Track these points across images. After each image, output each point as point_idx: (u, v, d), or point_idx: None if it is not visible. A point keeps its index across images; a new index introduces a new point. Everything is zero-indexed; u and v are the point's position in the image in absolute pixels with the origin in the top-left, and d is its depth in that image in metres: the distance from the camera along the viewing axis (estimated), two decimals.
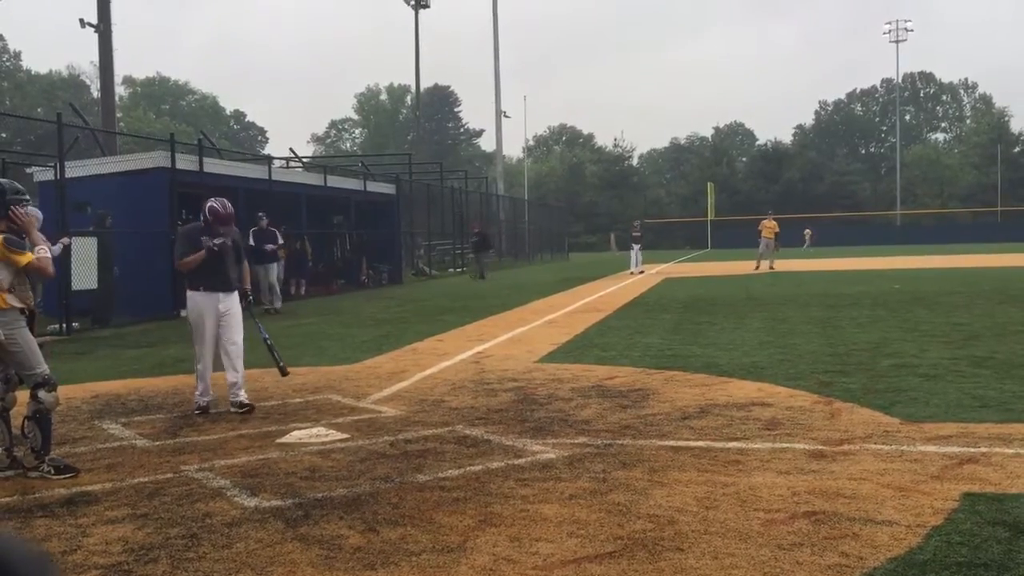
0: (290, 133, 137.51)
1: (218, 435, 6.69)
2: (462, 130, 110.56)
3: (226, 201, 7.71)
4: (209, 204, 7.63)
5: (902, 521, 4.25)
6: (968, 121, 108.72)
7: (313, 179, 26.09)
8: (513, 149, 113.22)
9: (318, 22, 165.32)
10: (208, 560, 4.01)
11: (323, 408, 7.67)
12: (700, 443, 5.94)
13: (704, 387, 8.08)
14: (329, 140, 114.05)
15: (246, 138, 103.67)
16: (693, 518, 4.38)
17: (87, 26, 32.86)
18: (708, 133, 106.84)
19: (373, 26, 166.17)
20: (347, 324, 15.45)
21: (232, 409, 7.46)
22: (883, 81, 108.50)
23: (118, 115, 45.88)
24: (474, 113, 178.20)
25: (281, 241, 19.05)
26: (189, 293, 7.66)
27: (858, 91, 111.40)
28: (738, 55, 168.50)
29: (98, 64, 34.66)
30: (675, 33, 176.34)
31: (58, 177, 15.07)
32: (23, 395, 5.76)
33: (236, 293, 7.73)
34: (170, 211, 17.72)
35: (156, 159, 18.59)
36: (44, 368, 5.67)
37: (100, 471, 5.67)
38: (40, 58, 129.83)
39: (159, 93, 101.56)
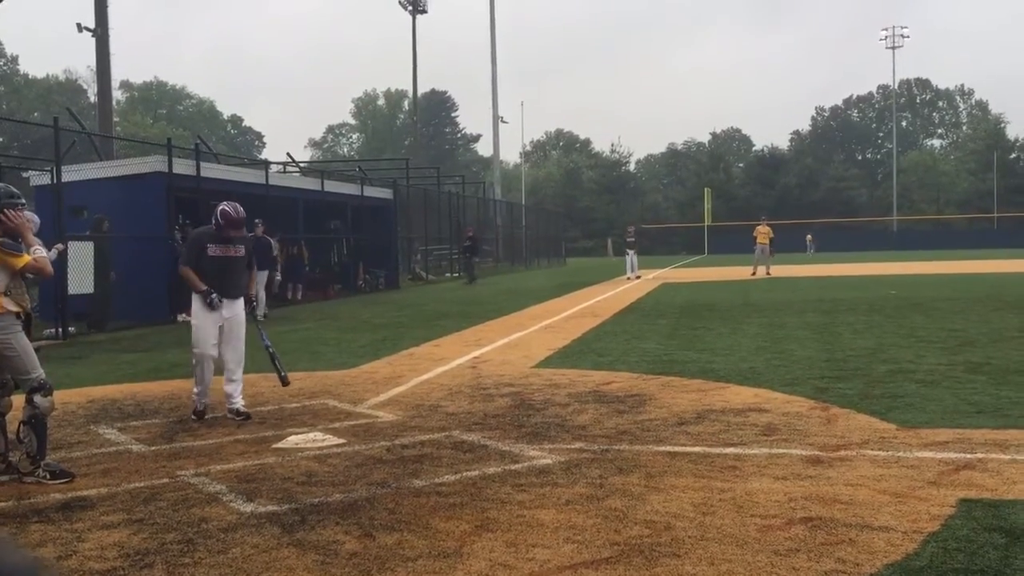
0: (287, 138, 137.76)
1: (214, 440, 6.68)
2: (459, 135, 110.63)
3: (238, 205, 7.57)
4: (221, 208, 7.52)
5: (899, 527, 4.25)
6: (964, 127, 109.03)
7: (310, 184, 26.11)
8: (510, 154, 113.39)
9: (315, 27, 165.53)
10: (204, 566, 4.00)
11: (320, 413, 7.66)
12: (697, 449, 5.94)
13: (701, 392, 8.08)
14: (326, 145, 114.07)
15: (243, 143, 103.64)
16: (690, 524, 4.38)
17: (84, 30, 32.88)
18: (705, 139, 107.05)
19: (370, 31, 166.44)
20: (344, 329, 15.43)
21: (228, 416, 7.44)
22: (879, 87, 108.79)
23: (115, 119, 45.86)
24: (471, 118, 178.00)
25: (275, 253, 18.99)
26: (194, 296, 7.60)
27: (855, 97, 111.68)
28: (735, 61, 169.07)
29: (95, 68, 34.62)
30: (672, 39, 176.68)
31: (55, 181, 15.05)
32: (19, 400, 5.75)
33: (241, 300, 7.65)
34: (167, 216, 17.71)
35: (153, 164, 18.60)
36: (40, 373, 5.66)
37: (96, 476, 5.66)
38: (37, 62, 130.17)
39: (156, 98, 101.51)
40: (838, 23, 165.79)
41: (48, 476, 5.51)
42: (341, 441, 6.47)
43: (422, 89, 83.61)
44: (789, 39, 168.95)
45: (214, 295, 7.37)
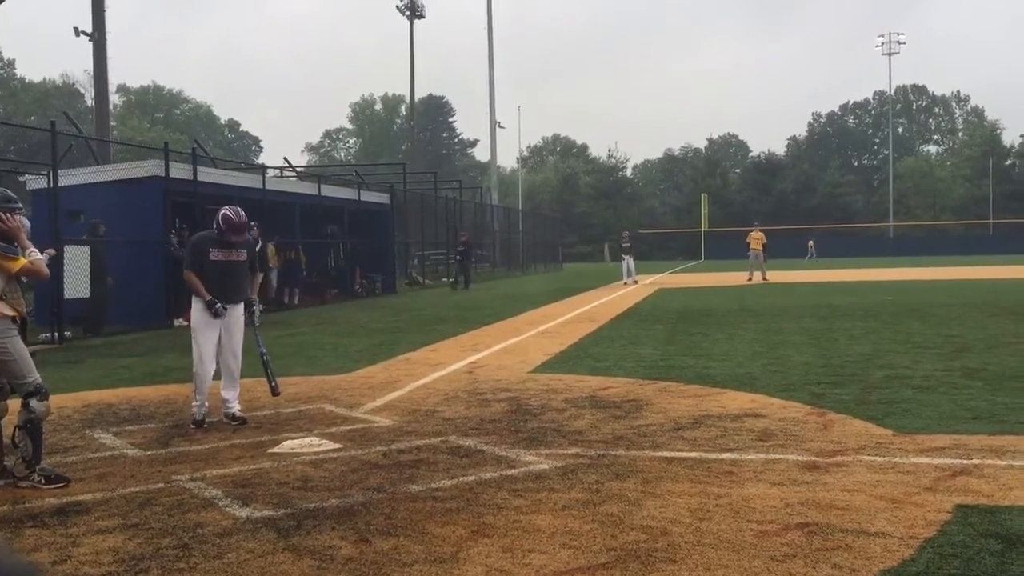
0: (284, 142, 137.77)
1: (210, 445, 6.66)
2: (456, 140, 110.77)
3: (240, 209, 7.54)
4: (223, 212, 7.50)
5: (895, 533, 4.25)
6: (960, 134, 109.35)
7: (307, 188, 26.09)
8: (507, 159, 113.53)
9: (313, 32, 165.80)
10: (199, 571, 3.99)
11: (316, 418, 7.65)
12: (693, 454, 5.94)
13: (697, 398, 8.08)
14: (323, 149, 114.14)
15: (240, 147, 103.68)
16: (686, 529, 4.38)
17: (81, 35, 32.91)
18: (702, 144, 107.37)
19: (368, 36, 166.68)
20: (340, 334, 15.42)
21: (224, 420, 7.43)
22: (876, 93, 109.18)
23: (112, 124, 45.84)
24: (468, 123, 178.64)
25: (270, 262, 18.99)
26: (193, 299, 7.58)
27: (851, 103, 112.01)
28: (732, 67, 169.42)
29: (92, 72, 34.63)
30: (669, 45, 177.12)
31: (51, 185, 15.03)
32: (14, 404, 5.73)
33: (240, 306, 7.61)
34: (164, 220, 17.71)
35: (150, 168, 18.59)
36: (36, 377, 5.65)
37: (91, 481, 5.64)
38: (34, 66, 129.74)
39: (153, 102, 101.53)
40: (835, 29, 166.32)
41: (43, 481, 5.50)
42: (337, 446, 6.46)
43: (419, 94, 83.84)
44: (786, 45, 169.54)
45: (218, 304, 7.35)
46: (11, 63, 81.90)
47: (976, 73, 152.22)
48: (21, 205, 5.81)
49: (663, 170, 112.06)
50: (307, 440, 6.65)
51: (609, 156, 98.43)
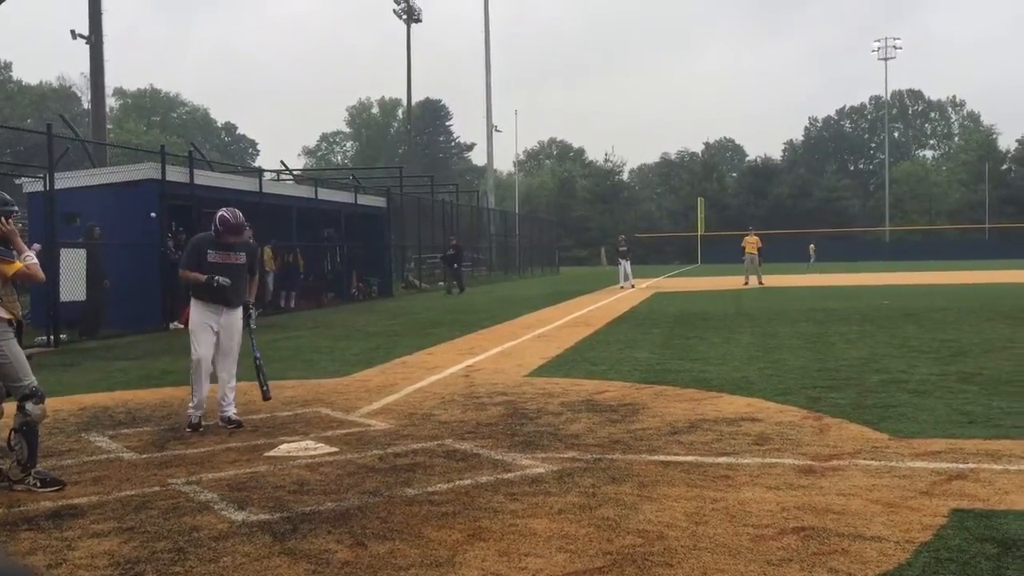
0: (281, 145, 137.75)
1: (206, 448, 6.65)
2: (453, 144, 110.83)
3: (237, 211, 7.54)
4: (220, 214, 7.49)
5: (891, 537, 4.25)
6: (956, 139, 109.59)
7: (304, 192, 26.08)
8: (504, 163, 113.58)
9: (310, 36, 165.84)
10: (194, 574, 3.98)
11: (312, 421, 7.64)
12: (690, 458, 5.94)
13: (694, 402, 8.09)
14: (320, 153, 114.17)
15: (237, 150, 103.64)
16: (682, 533, 4.38)
17: (78, 38, 32.91)
18: (698, 148, 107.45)
19: (365, 40, 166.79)
20: (337, 337, 15.41)
21: (220, 424, 7.41)
22: (872, 98, 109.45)
23: (108, 127, 45.81)
24: (465, 127, 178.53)
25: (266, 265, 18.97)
26: (192, 302, 7.56)
27: (847, 108, 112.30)
28: (728, 71, 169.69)
29: (89, 75, 34.62)
30: (666, 49, 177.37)
31: (47, 188, 15.02)
32: (10, 407, 5.72)
33: (239, 309, 7.59)
34: (160, 223, 17.69)
35: (146, 171, 18.56)
36: (32, 380, 5.64)
37: (86, 484, 5.63)
38: (31, 69, 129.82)
39: (150, 105, 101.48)
40: (831, 34, 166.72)
41: (39, 484, 5.48)
42: (333, 449, 6.45)
43: (416, 97, 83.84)
44: (783, 50, 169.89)
45: (217, 277, 7.32)
46: (7, 66, 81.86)
47: (972, 78, 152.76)
48: (16, 208, 5.81)
49: (660, 174, 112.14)
50: (303, 444, 6.64)
51: (606, 160, 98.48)
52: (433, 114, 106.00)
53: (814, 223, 76.83)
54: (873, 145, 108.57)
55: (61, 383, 9.99)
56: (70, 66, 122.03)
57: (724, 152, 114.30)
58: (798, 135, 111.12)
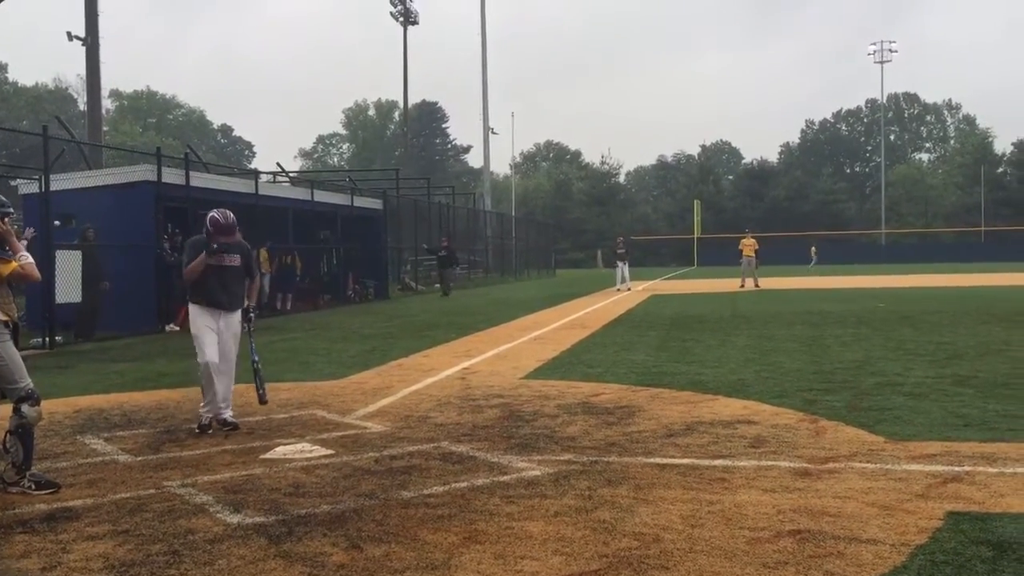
0: (278, 147, 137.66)
1: (201, 451, 6.64)
2: (450, 146, 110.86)
3: (228, 212, 7.49)
4: (210, 215, 7.45)
5: (886, 540, 4.25)
6: (952, 142, 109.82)
7: (300, 194, 26.08)
8: (501, 165, 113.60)
9: (306, 38, 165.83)
10: None
11: (308, 424, 7.63)
12: (686, 460, 5.94)
13: (690, 404, 8.09)
14: (316, 155, 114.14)
15: (233, 152, 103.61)
16: (678, 536, 4.37)
17: (74, 39, 32.87)
18: (695, 151, 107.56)
19: (362, 42, 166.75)
20: (333, 339, 15.40)
21: (216, 425, 7.40)
22: (868, 101, 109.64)
23: (104, 128, 45.76)
24: (462, 129, 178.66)
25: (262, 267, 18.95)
26: (190, 307, 7.52)
27: (843, 111, 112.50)
28: (725, 74, 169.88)
29: (85, 77, 34.59)
30: (662, 52, 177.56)
31: (43, 190, 14.99)
32: (5, 409, 5.70)
33: (237, 313, 7.53)
34: (156, 225, 17.66)
35: (142, 172, 18.56)
36: (27, 382, 5.62)
37: (81, 487, 5.62)
38: (27, 70, 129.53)
39: (146, 107, 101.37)
40: (827, 37, 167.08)
41: (33, 486, 5.47)
42: (329, 452, 6.45)
43: (413, 100, 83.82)
44: (779, 53, 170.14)
45: (215, 245, 7.28)
46: (3, 67, 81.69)
47: (968, 81, 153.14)
48: (12, 209, 5.79)
49: (656, 176, 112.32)
50: (299, 446, 6.63)
51: (602, 162, 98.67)
52: (430, 116, 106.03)
53: (810, 226, 77.02)
54: (869, 148, 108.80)
55: (56, 385, 9.96)
56: (66, 68, 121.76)
57: (720, 155, 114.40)
58: (794, 138, 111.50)
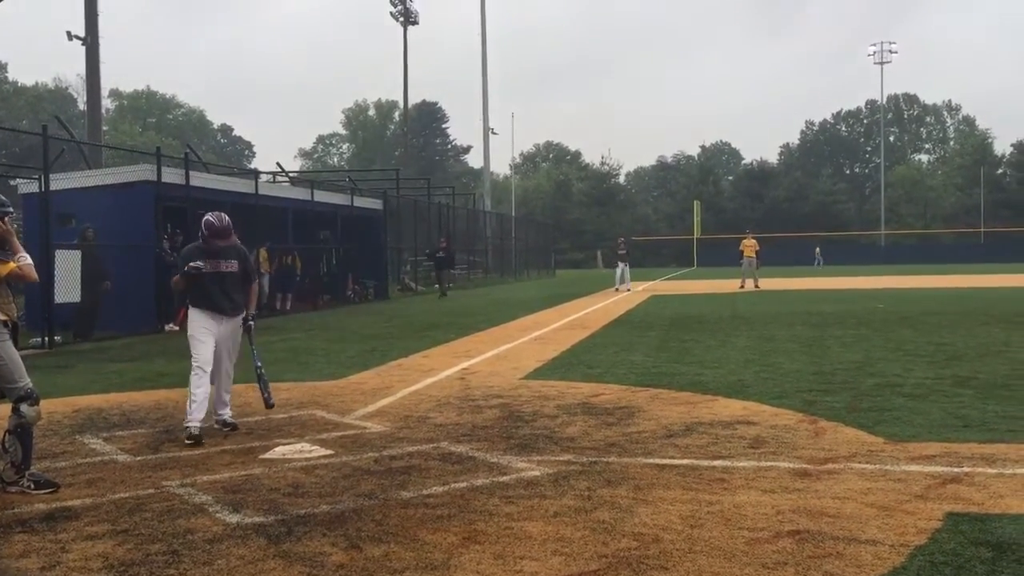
0: (277, 147, 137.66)
1: (200, 451, 6.64)
2: (449, 146, 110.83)
3: (223, 215, 7.40)
4: (205, 218, 7.36)
5: (886, 540, 4.25)
6: (952, 143, 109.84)
7: (300, 194, 26.07)
8: (501, 166, 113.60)
9: (306, 37, 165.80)
10: None
11: (307, 424, 7.62)
12: (685, 461, 5.94)
13: (689, 405, 8.09)
14: (316, 155, 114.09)
15: (233, 152, 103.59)
16: (678, 536, 4.37)
17: (74, 39, 32.87)
18: (694, 152, 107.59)
19: (362, 42, 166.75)
20: (332, 339, 15.40)
21: (215, 426, 7.39)
22: (868, 102, 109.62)
23: (104, 128, 45.76)
24: (462, 129, 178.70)
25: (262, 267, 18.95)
26: (190, 309, 7.45)
27: (843, 112, 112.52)
28: (725, 74, 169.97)
29: (85, 77, 34.60)
30: (663, 53, 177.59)
31: (43, 189, 14.99)
32: (4, 409, 5.70)
33: (237, 317, 7.45)
34: (155, 225, 17.66)
35: (142, 172, 18.55)
36: (27, 382, 5.62)
37: (81, 486, 5.61)
38: (27, 70, 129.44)
39: (146, 106, 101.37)
40: (827, 38, 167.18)
41: (33, 486, 5.47)
42: (328, 452, 6.45)
43: (413, 100, 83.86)
44: (779, 53, 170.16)
45: (190, 265, 7.20)
46: (3, 67, 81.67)
47: (967, 82, 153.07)
48: (12, 209, 5.79)
49: (656, 177, 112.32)
50: (298, 446, 6.63)
51: (602, 163, 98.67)
52: (430, 116, 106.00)
53: (810, 227, 77.10)
54: (869, 149, 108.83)
55: (55, 385, 9.96)
56: (66, 67, 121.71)
57: (720, 155, 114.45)
58: (794, 139, 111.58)
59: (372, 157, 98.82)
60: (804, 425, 7.06)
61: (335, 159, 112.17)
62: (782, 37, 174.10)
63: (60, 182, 16.53)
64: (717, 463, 5.86)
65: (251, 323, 7.57)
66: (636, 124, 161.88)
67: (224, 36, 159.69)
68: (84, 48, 32.70)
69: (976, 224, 78.27)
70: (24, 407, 5.53)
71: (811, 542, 4.25)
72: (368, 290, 28.43)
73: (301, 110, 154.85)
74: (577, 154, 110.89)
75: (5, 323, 5.57)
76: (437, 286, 30.92)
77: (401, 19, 68.92)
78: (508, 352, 12.83)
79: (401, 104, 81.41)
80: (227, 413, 7.45)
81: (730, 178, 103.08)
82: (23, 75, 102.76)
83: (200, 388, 7.12)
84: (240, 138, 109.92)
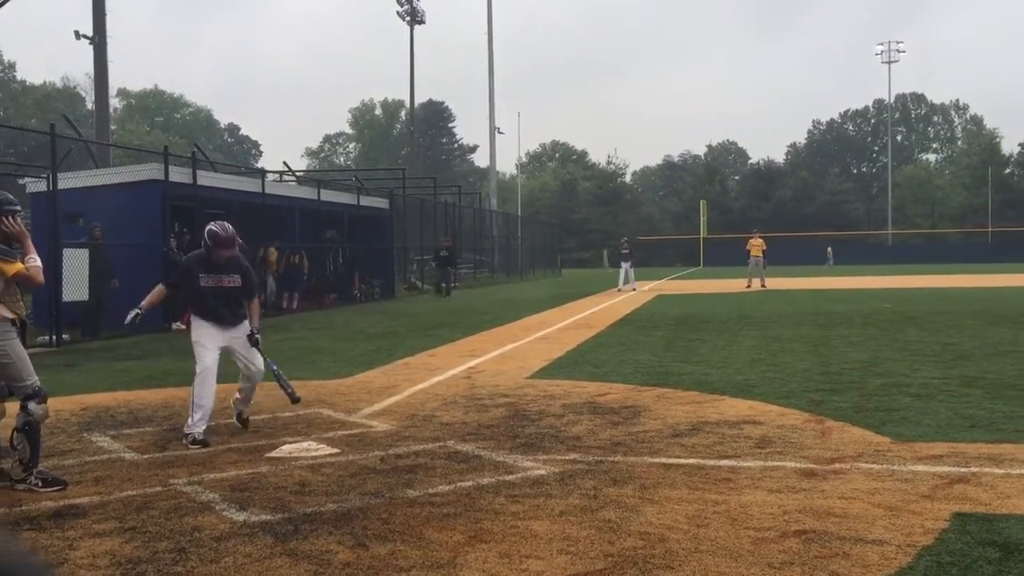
0: (284, 147, 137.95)
1: (207, 449, 6.65)
2: (456, 145, 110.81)
3: (227, 224, 7.25)
4: (208, 228, 7.21)
5: (892, 541, 4.25)
6: (959, 142, 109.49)
7: (307, 193, 26.10)
8: (507, 165, 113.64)
9: (313, 37, 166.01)
10: (196, 574, 3.98)
11: (314, 422, 7.64)
12: (691, 460, 5.94)
13: (695, 404, 8.08)
14: (323, 154, 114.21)
15: (240, 151, 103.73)
16: (684, 536, 4.37)
17: (82, 38, 32.98)
18: (701, 151, 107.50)
19: (368, 41, 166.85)
20: (339, 338, 15.42)
21: (235, 421, 7.36)
22: (875, 101, 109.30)
23: (112, 127, 45.88)
24: (468, 129, 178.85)
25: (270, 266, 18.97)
26: (192, 316, 7.40)
27: (850, 111, 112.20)
28: (732, 74, 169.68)
29: (93, 76, 34.70)
30: (669, 52, 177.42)
31: (51, 188, 15.03)
32: (12, 407, 5.73)
33: (241, 324, 7.31)
34: (163, 223, 17.71)
35: (149, 171, 18.60)
36: (35, 380, 5.64)
37: (88, 484, 5.63)
38: (35, 69, 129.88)
39: (153, 106, 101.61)
40: (834, 38, 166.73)
41: (40, 484, 5.49)
42: (335, 450, 6.46)
43: (419, 99, 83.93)
44: (786, 53, 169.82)
45: (137, 311, 7.31)
46: (12, 66, 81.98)
47: (975, 82, 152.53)
48: (20, 208, 5.81)
49: (662, 176, 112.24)
50: (305, 444, 6.64)
51: (608, 162, 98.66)
52: (436, 116, 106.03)
53: (817, 226, 76.94)
54: (876, 148, 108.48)
55: (63, 383, 10.00)
56: (74, 66, 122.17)
57: (727, 155, 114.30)
58: (801, 138, 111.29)
59: (378, 156, 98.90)
60: (811, 425, 7.05)
61: (341, 158, 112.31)
62: (789, 36, 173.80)
63: (68, 181, 16.59)
64: (723, 463, 5.86)
65: (258, 337, 7.33)
66: (642, 123, 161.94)
67: (231, 36, 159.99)
68: (92, 47, 32.81)
69: (984, 224, 77.98)
70: (32, 405, 5.55)
71: (817, 542, 4.25)
72: (374, 289, 28.46)
73: (308, 109, 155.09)
74: (583, 153, 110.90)
75: (13, 321, 5.59)
76: (434, 285, 30.80)
77: (408, 18, 68.93)
78: (514, 351, 12.83)
79: (407, 103, 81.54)
80: (245, 410, 7.42)
81: (737, 177, 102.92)
82: (31, 74, 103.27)
83: (205, 396, 6.95)
84: (247, 137, 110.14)
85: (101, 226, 16.27)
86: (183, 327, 16.46)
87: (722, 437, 6.64)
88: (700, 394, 8.66)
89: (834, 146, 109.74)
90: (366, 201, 28.77)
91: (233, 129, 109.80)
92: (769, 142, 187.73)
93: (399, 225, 31.79)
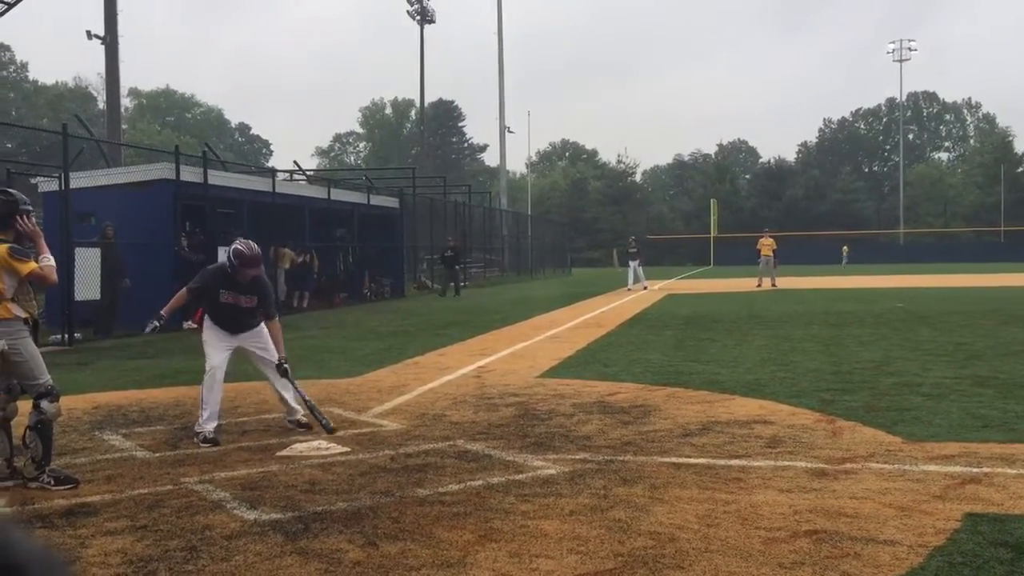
0: (294, 146, 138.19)
1: (218, 447, 6.68)
2: (466, 145, 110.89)
3: (252, 244, 7.28)
4: (235, 246, 7.21)
5: (904, 541, 4.23)
6: (971, 141, 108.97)
7: (317, 192, 26.14)
8: (517, 164, 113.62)
9: (324, 36, 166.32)
10: (207, 573, 4.00)
11: None
12: (701, 460, 5.93)
13: (706, 404, 8.07)
14: (333, 153, 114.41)
15: (251, 151, 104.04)
16: (694, 535, 4.37)
17: (94, 38, 33.14)
18: (711, 150, 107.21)
19: (379, 41, 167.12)
20: (349, 337, 15.44)
21: (289, 426, 7.33)
22: (887, 100, 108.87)
23: (123, 127, 46.06)
24: (478, 128, 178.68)
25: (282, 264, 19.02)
26: (205, 318, 7.43)
27: (862, 110, 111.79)
28: (742, 73, 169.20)
29: (105, 76, 34.86)
30: (680, 51, 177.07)
31: (62, 188, 15.10)
32: (25, 405, 5.76)
33: (256, 328, 7.36)
34: (174, 223, 17.77)
35: (161, 171, 18.66)
36: (47, 378, 5.68)
37: (100, 482, 5.66)
38: (47, 69, 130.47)
39: (164, 105, 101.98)
40: (846, 37, 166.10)
41: (52, 482, 5.52)
42: (345, 449, 6.47)
43: (429, 98, 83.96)
44: (797, 52, 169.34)
45: (155, 323, 7.21)
46: (24, 66, 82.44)
47: (987, 80, 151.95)
48: (32, 208, 5.84)
49: (673, 176, 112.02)
50: (315, 443, 6.66)
51: (619, 161, 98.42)
52: (446, 115, 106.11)
53: (828, 225, 76.69)
54: (888, 147, 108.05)
55: (75, 382, 10.04)
56: (87, 66, 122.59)
57: (737, 154, 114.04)
58: (812, 137, 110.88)
59: (389, 156, 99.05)
60: (822, 424, 7.03)
61: (352, 158, 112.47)
62: (801, 35, 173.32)
63: (80, 180, 16.66)
64: (734, 462, 5.85)
65: (286, 367, 7.29)
66: (652, 123, 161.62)
67: (242, 36, 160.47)
68: (104, 47, 32.95)
69: (996, 223, 77.57)
70: (44, 403, 5.58)
71: (828, 542, 4.24)
72: (385, 288, 28.49)
73: (318, 109, 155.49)
74: (593, 152, 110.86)
75: (26, 320, 5.62)
76: (452, 284, 30.81)
77: (418, 18, 69.02)
78: (524, 350, 12.82)
79: (418, 103, 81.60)
80: (298, 414, 7.37)
81: (747, 176, 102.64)
82: (44, 74, 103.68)
83: (213, 394, 7.00)
84: (258, 137, 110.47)
85: (113, 225, 16.34)
86: (194, 326, 16.52)
87: (732, 437, 6.63)
88: (710, 393, 8.64)
89: (845, 145, 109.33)
90: (376, 200, 28.81)
91: (244, 129, 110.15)
92: (780, 141, 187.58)
93: (409, 224, 31.80)
